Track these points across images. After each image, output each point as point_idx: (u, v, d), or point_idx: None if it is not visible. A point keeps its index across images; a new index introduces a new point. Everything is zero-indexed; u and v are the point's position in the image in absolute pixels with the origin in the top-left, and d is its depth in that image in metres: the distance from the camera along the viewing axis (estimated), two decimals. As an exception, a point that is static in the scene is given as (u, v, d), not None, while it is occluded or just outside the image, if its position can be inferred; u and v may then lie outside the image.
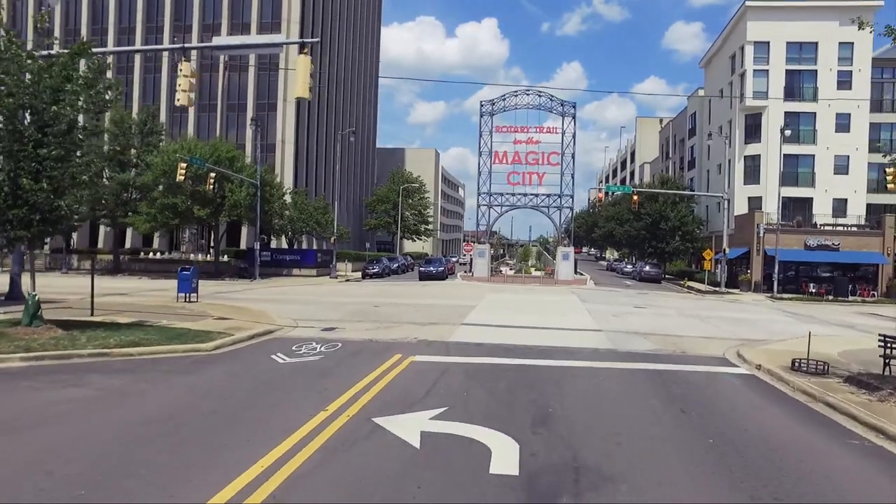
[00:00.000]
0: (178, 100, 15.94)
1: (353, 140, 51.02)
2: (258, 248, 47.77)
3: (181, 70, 15.85)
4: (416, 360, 13.31)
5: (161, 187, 44.64)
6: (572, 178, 51.68)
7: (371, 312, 22.74)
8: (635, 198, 46.86)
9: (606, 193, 48.75)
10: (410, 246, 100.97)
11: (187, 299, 23.51)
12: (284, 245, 60.89)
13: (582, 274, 55.25)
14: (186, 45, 16.32)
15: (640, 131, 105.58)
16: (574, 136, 52.12)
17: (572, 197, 52.28)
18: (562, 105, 52.35)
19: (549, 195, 52.33)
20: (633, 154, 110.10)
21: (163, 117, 67.07)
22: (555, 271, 52.18)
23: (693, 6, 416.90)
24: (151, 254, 57.43)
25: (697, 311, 27.75)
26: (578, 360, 13.82)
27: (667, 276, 59.54)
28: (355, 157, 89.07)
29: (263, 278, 47.67)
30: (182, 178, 36.71)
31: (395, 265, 60.13)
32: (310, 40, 16.37)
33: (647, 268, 56.83)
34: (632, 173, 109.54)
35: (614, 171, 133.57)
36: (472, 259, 52.60)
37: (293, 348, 14.46)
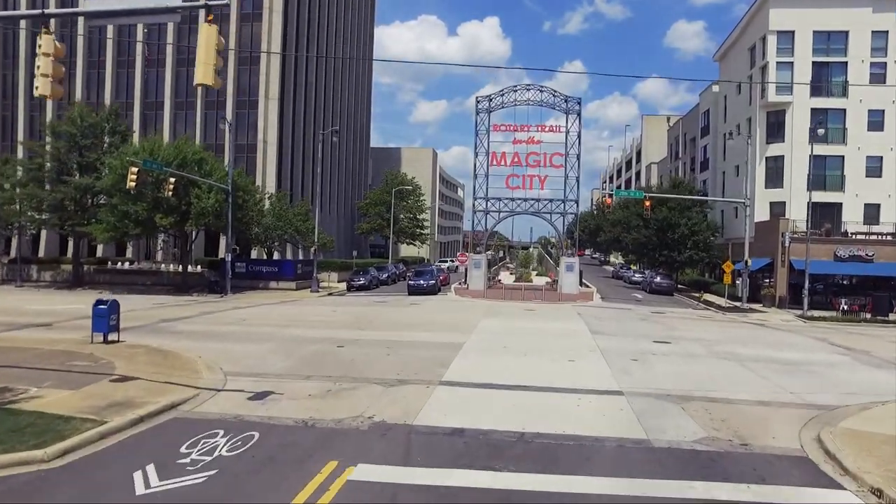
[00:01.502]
0: (37, 88, 11.39)
1: (337, 140, 46.53)
2: (230, 259, 43.30)
3: (40, 46, 11.29)
4: (354, 481, 8.77)
5: (121, 193, 40.17)
6: (577, 181, 47.14)
7: (330, 358, 18.19)
8: (647, 203, 42.28)
9: (613, 197, 43.95)
10: (406, 250, 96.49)
11: (105, 339, 18.96)
12: (268, 255, 56.40)
13: (587, 285, 50.67)
14: (47, 10, 11.73)
15: (647, 130, 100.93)
16: (579, 136, 47.57)
17: (577, 202, 47.74)
18: (565, 101, 47.75)
19: (551, 200, 47.73)
20: (638, 153, 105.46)
21: (136, 116, 62.71)
22: (558, 283, 47.58)
23: (695, 4, 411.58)
24: (120, 263, 52.95)
25: (730, 345, 23.15)
26: (598, 477, 9.23)
27: (679, 285, 54.93)
28: (348, 157, 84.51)
29: (237, 293, 43.25)
30: (133, 184, 32.13)
31: (385, 275, 55.59)
32: (218, 2, 11.78)
33: (659, 279, 52.21)
34: (637, 174, 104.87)
35: (618, 171, 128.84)
36: (466, 270, 48.01)
37: (183, 449, 9.90)
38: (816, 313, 38.13)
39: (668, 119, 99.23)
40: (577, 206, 48.14)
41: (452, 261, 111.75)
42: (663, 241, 52.18)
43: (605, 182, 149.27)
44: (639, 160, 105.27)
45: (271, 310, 32.95)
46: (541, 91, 47.62)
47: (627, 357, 19.43)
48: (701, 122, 64.30)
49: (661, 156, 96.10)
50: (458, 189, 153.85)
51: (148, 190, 39.18)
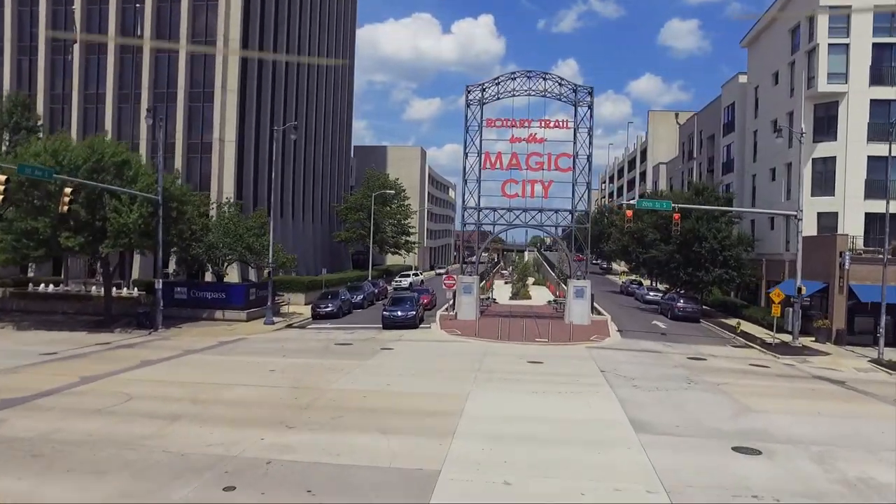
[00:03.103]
0: None
1: (295, 137, 38.26)
2: (160, 286, 34.98)
3: None
4: None
5: (17, 207, 31.86)
6: (587, 188, 38.99)
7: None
8: (676, 216, 34.25)
9: (619, 203, 35.87)
10: (393, 258, 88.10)
11: None
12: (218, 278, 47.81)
13: (599, 311, 42.56)
14: None
15: (653, 126, 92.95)
16: (590, 133, 39.40)
17: (587, 214, 39.50)
18: (574, 91, 39.57)
19: (557, 211, 39.58)
20: (643, 152, 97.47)
21: (74, 110, 54.23)
22: (566, 308, 39.46)
23: (688, 3, 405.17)
24: (44, 286, 44.48)
25: (860, 458, 15.05)
26: None
27: (703, 305, 46.95)
28: (326, 158, 76.11)
29: (172, 326, 35.20)
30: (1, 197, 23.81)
31: (360, 296, 47.32)
32: None
33: (682, 302, 44.17)
34: (642, 174, 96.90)
35: (620, 171, 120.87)
36: (454, 295, 39.81)
37: None
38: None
39: (677, 115, 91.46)
40: (589, 218, 39.90)
41: (441, 270, 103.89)
42: (687, 257, 44.18)
43: (603, 183, 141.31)
44: (643, 159, 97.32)
45: (190, 367, 24.67)
46: (544, 79, 39.45)
47: (710, 487, 11.31)
48: (723, 117, 56.32)
49: (669, 155, 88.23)
50: (450, 189, 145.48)
51: (52, 203, 30.99)
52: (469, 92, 39.97)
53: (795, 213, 35.12)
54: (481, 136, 39.34)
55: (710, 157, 63.00)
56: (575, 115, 39.43)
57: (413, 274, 68.06)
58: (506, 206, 39.82)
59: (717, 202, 45.90)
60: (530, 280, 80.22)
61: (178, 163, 52.27)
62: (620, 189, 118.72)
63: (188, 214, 36.56)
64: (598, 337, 34.22)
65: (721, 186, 55.87)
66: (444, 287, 40.12)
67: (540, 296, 66.88)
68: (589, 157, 39.56)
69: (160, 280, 34.88)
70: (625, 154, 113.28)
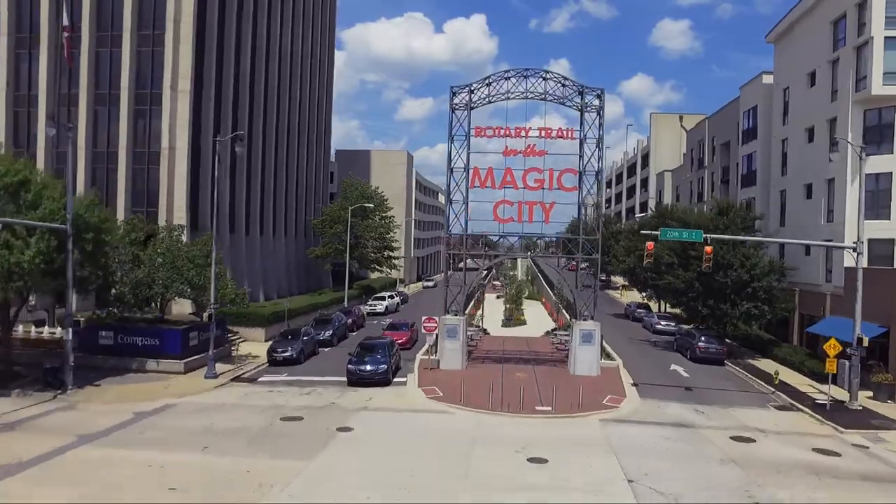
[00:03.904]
0: None
1: (241, 150, 31.40)
2: (70, 337, 28.16)
3: None
4: None
5: None
6: (597, 211, 32.45)
7: None
8: (709, 249, 27.81)
9: (656, 240, 29.32)
10: (377, 272, 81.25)
11: None
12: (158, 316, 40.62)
13: (609, 354, 36.03)
14: None
15: (656, 130, 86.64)
16: (600, 143, 32.85)
17: (599, 242, 32.92)
18: (579, 93, 32.96)
19: (563, 238, 33.02)
20: (645, 158, 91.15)
21: (1, 115, 47.16)
22: (571, 356, 32.91)
23: (680, 3, 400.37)
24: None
25: None
26: None
27: (725, 338, 40.57)
28: (301, 166, 69.26)
29: (89, 382, 28.91)
30: None
31: (328, 332, 40.60)
32: None
33: (703, 341, 37.71)
34: (644, 182, 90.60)
35: (619, 177, 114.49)
36: (436, 340, 33.11)
37: None
38: None
39: (681, 118, 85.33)
40: (600, 248, 33.25)
41: (429, 282, 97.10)
42: (708, 286, 37.76)
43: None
44: (645, 165, 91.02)
45: (62, 480, 17.92)
46: (543, 78, 32.82)
47: None
48: (743, 122, 49.97)
49: (672, 160, 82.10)
50: (440, 194, 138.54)
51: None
52: (454, 94, 33.29)
53: (853, 244, 28.66)
54: (469, 148, 32.74)
55: (724, 167, 56.69)
56: (581, 123, 32.87)
57: (389, 296, 60.73)
58: (498, 232, 33.24)
59: (744, 223, 39.48)
60: (524, 297, 73.84)
61: (122, 176, 45.41)
62: (619, 196, 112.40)
63: (111, 245, 29.75)
64: (613, 400, 27.68)
65: (740, 200, 49.55)
66: (423, 331, 33.38)
67: (535, 318, 60.49)
68: (598, 174, 33.04)
69: (69, 330, 28.04)
70: (624, 158, 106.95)
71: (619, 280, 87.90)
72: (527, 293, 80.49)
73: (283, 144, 64.18)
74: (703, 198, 62.47)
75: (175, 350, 31.85)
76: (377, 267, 69.55)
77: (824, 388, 31.17)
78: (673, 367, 35.99)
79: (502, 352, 38.31)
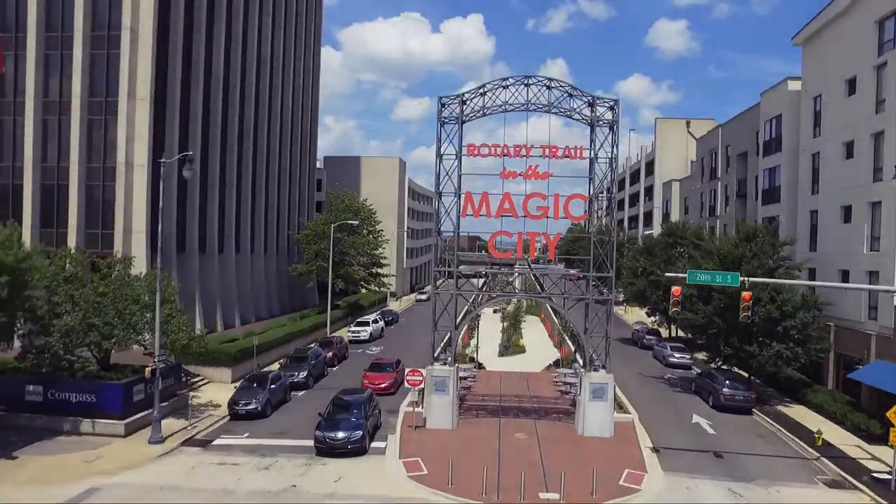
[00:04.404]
0: None
1: (190, 173, 26.65)
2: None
3: None
4: None
5: None
6: (613, 245, 27.76)
7: None
8: (746, 295, 23.19)
9: (678, 284, 24.54)
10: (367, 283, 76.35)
11: None
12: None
13: (624, 407, 31.33)
14: None
15: (661, 136, 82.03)
16: (613, 164, 28.15)
17: (612, 280, 28.18)
18: (590, 105, 28.23)
19: (571, 279, 28.26)
20: (649, 165, 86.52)
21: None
22: (580, 412, 28.20)
23: (677, 4, 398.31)
24: None
25: None
26: None
27: (750, 376, 35.99)
28: (282, 177, 64.56)
29: (6, 451, 23.82)
30: None
31: (302, 373, 35.79)
32: None
33: (729, 387, 32.97)
34: (648, 191, 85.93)
35: (620, 184, 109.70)
36: (422, 394, 28.36)
37: None
38: None
39: (688, 123, 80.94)
40: (613, 288, 28.50)
41: (422, 295, 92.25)
42: (732, 323, 33.13)
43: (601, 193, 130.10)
44: (649, 173, 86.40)
45: None
46: (548, 87, 28.07)
47: None
48: (764, 132, 45.37)
49: (679, 168, 77.67)
50: (434, 201, 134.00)
51: None
52: (444, 105, 28.55)
53: (919, 287, 24.01)
54: (460, 168, 27.98)
55: (740, 180, 52.13)
56: (591, 140, 28.18)
57: (374, 320, 55.42)
58: (495, 265, 28.50)
59: (775, 250, 34.87)
60: (523, 311, 68.88)
61: (73, 194, 40.60)
62: (621, 203, 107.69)
63: (26, 285, 24.95)
64: (632, 477, 22.98)
65: (758, 219, 45.03)
66: (407, 384, 28.55)
67: (535, 340, 55.58)
68: (610, 199, 28.36)
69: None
70: (626, 165, 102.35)
71: (622, 296, 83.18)
72: (525, 306, 75.76)
73: (263, 154, 59.50)
74: (715, 211, 57.98)
75: (115, 408, 27.02)
76: (364, 286, 64.83)
77: (876, 449, 26.79)
78: (695, 419, 31.28)
79: (500, 398, 33.57)
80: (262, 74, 58.68)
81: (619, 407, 30.66)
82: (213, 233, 50.15)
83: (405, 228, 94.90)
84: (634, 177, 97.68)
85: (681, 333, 51.19)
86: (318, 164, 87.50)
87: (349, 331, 51.91)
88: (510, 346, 50.86)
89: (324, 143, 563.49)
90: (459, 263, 30.25)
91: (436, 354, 28.37)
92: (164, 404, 29.69)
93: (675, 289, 23.63)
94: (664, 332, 53.86)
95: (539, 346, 53.49)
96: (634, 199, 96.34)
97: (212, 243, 50.04)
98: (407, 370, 28.02)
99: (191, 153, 27.51)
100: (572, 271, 68.16)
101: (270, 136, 61.22)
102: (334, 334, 47.34)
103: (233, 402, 30.07)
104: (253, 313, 57.01)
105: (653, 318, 55.51)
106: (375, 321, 54.35)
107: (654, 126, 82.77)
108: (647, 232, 66.47)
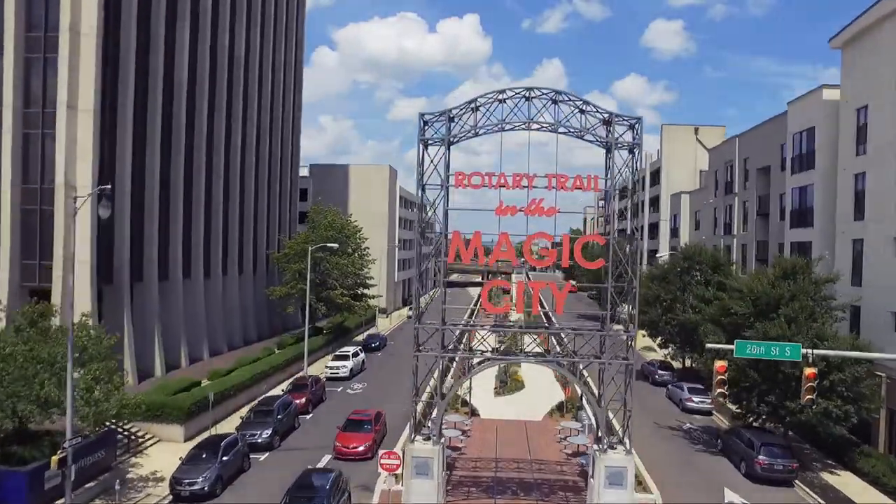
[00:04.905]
0: None
1: (106, 212, 21.74)
2: None
3: None
4: None
5: None
6: (635, 294, 22.70)
7: None
8: (811, 372, 18.16)
9: (721, 359, 19.44)
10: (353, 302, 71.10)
11: None
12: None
13: (644, 484, 26.22)
14: None
15: (668, 144, 76.99)
16: (633, 194, 23.13)
17: (632, 340, 23.09)
18: (605, 124, 23.14)
19: (583, 334, 23.23)
20: (654, 175, 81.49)
21: None
22: (592, 497, 23.11)
23: (673, 4, 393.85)
24: None
25: None
26: None
27: (786, 429, 30.95)
28: (259, 191, 59.44)
29: None
30: None
31: (266, 433, 30.53)
32: None
33: (765, 454, 27.85)
34: (654, 202, 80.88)
35: (622, 191, 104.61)
36: (401, 479, 23.23)
37: None
38: None
39: (697, 130, 76.00)
40: (632, 347, 23.40)
41: (412, 310, 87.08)
42: (770, 377, 28.10)
43: (602, 200, 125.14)
44: (655, 182, 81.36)
45: None
46: (554, 102, 22.95)
47: None
48: (793, 147, 40.38)
49: (686, 178, 72.78)
50: (415, 243, 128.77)
51: None
52: (426, 124, 23.44)
53: None
54: (447, 204, 22.88)
55: (761, 197, 47.15)
56: (607, 167, 23.14)
57: (353, 354, 49.33)
58: (487, 324, 23.37)
59: (817, 289, 29.86)
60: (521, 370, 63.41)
61: (6, 218, 35.35)
62: (622, 212, 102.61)
63: None
64: None
65: (786, 245, 40.07)
66: (380, 468, 23.41)
67: (536, 375, 50.38)
68: (631, 235, 23.32)
69: None
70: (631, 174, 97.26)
71: (627, 312, 77.90)
72: (531, 317, 70.62)
73: (237, 167, 54.39)
74: (731, 230, 53.01)
75: (20, 499, 21.83)
76: (347, 313, 59.62)
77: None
78: (728, 496, 26.16)
79: (495, 465, 28.44)
80: (234, 80, 53.53)
81: (638, 482, 25.58)
82: (177, 257, 44.94)
83: (396, 243, 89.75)
84: (636, 186, 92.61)
85: (693, 363, 46.21)
86: (304, 173, 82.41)
87: (327, 366, 46.56)
88: (507, 380, 45.63)
89: (320, 143, 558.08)
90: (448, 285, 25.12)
91: (416, 428, 23.14)
92: (92, 485, 24.75)
93: (720, 364, 18.51)
94: (676, 364, 48.78)
95: (540, 379, 48.31)
96: (637, 210, 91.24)
97: (175, 269, 44.83)
98: (380, 453, 22.81)
99: (107, 187, 22.12)
100: (573, 282, 63.09)
101: (245, 147, 56.09)
102: (310, 374, 42.05)
103: (175, 482, 24.84)
104: (225, 342, 51.83)
105: (665, 351, 50.39)
106: (356, 354, 48.84)
107: (661, 132, 77.64)
108: (660, 256, 61.28)
